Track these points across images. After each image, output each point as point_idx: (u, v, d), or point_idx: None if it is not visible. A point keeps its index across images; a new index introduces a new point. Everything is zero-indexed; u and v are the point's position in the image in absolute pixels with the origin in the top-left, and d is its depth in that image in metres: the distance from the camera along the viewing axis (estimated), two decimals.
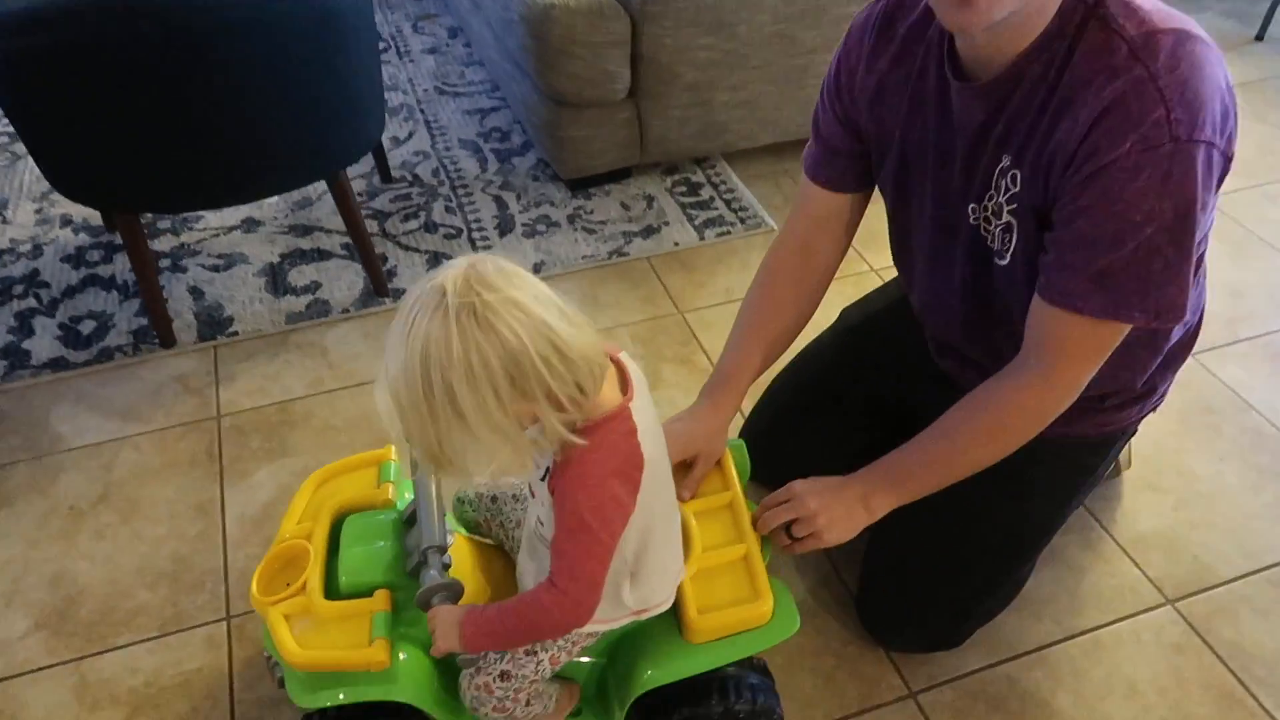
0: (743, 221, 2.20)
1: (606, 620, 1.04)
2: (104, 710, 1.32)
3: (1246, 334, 1.91)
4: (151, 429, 1.73)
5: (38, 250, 2.13)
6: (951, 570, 1.29)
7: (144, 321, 1.92)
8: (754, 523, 1.18)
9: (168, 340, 1.88)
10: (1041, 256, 1.02)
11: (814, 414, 1.45)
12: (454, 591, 1.03)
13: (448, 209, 2.24)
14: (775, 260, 1.32)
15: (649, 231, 2.18)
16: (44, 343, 1.89)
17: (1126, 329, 1.01)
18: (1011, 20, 0.93)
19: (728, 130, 2.25)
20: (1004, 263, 1.09)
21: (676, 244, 2.14)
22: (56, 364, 1.85)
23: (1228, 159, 0.95)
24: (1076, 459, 1.27)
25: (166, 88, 1.50)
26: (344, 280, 2.04)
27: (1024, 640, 1.39)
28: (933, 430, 1.14)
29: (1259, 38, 2.98)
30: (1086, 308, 0.98)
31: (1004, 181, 1.04)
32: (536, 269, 2.07)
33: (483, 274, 0.80)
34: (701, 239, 2.16)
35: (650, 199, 2.28)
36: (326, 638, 1.03)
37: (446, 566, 1.04)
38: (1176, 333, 1.19)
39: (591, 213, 2.24)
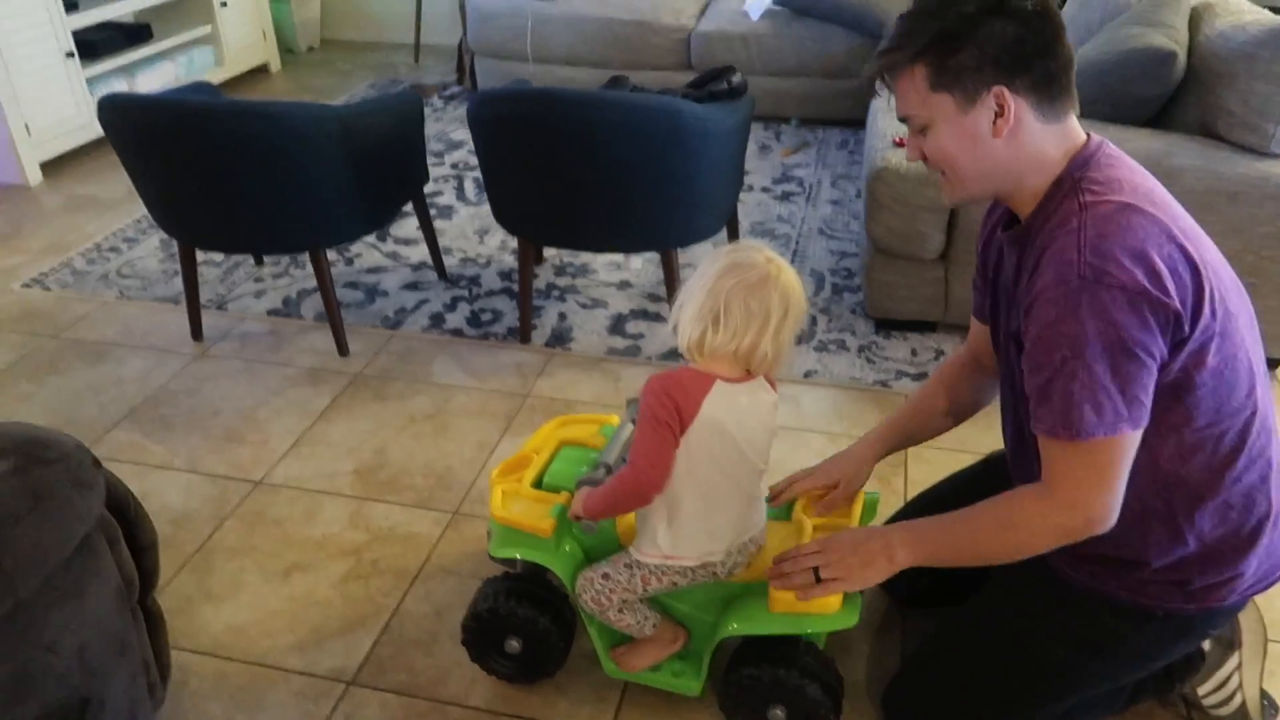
0: None
1: (643, 552, 1.40)
2: (357, 532, 1.94)
3: None
4: (483, 388, 2.39)
5: (488, 263, 2.98)
6: (967, 674, 1.40)
7: (518, 323, 2.62)
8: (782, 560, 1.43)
9: (525, 339, 2.56)
10: None
11: None
12: (598, 483, 1.41)
13: None
14: (948, 365, 1.61)
15: (921, 376, 2.40)
16: (456, 318, 2.68)
17: (1100, 452, 1.12)
18: (1002, 193, 1.22)
19: None
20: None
21: None
22: (456, 332, 2.62)
23: (1173, 312, 1.08)
24: (1097, 616, 1.31)
25: (561, 160, 2.17)
26: (661, 337, 2.57)
27: None
28: (964, 509, 1.29)
29: None
30: (1038, 426, 1.15)
31: None
32: (807, 374, 2.41)
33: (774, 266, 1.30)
34: None
35: (939, 353, 2.49)
36: (521, 509, 1.50)
37: (608, 471, 1.44)
38: (1208, 524, 1.21)
39: (882, 349, 2.52)
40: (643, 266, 2.92)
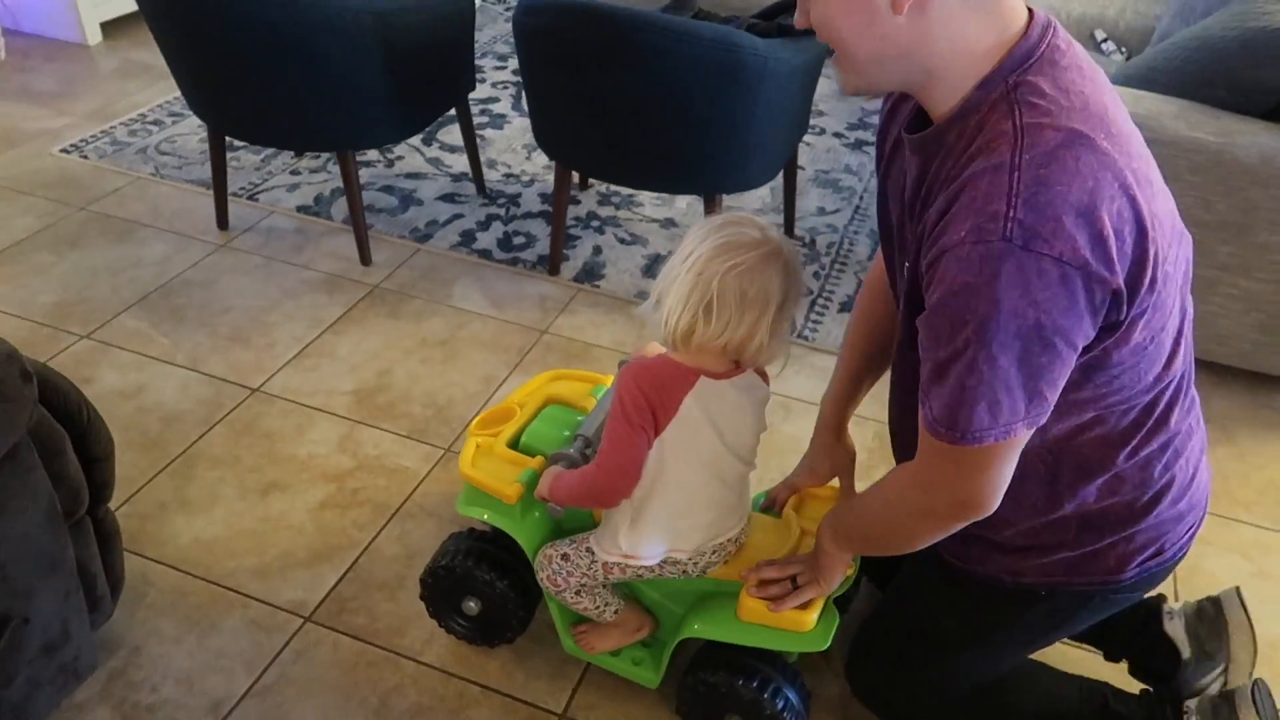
0: None
1: (603, 549, 1.28)
2: (343, 457, 1.86)
3: None
4: (500, 318, 2.27)
5: (531, 181, 2.83)
6: (899, 658, 1.34)
7: (549, 252, 2.49)
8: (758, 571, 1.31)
9: (554, 270, 2.43)
10: None
11: None
12: (572, 463, 1.30)
13: (815, 274, 2.50)
14: (875, 268, 1.35)
15: None
16: (488, 238, 2.56)
17: (985, 454, 0.94)
18: (909, 85, 0.96)
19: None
20: None
21: None
22: (483, 254, 2.50)
23: (1112, 290, 0.87)
24: (988, 598, 1.22)
25: (605, 83, 2.00)
26: None
27: None
28: (867, 491, 1.19)
29: None
30: (923, 406, 0.96)
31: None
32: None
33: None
34: None
35: None
36: (491, 470, 1.39)
37: (584, 453, 1.32)
38: (1093, 495, 1.09)
39: None
40: (688, 207, 2.75)
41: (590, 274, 2.44)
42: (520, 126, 3.14)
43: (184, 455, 1.84)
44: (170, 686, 1.44)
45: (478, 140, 2.83)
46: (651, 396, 1.13)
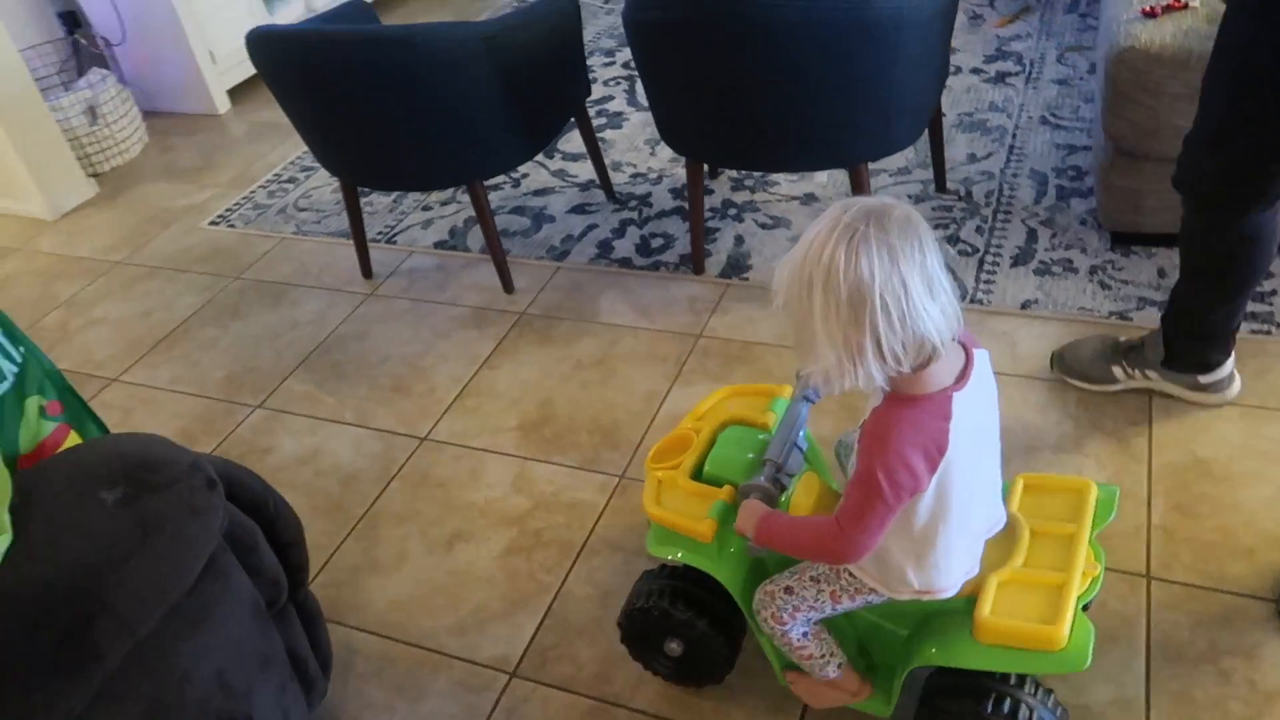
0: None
1: (891, 589, 1.17)
2: (520, 498, 1.83)
3: None
4: (652, 328, 2.20)
5: (659, 178, 2.74)
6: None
7: (689, 249, 2.39)
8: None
9: (698, 269, 2.33)
10: None
11: None
12: (768, 494, 1.22)
13: (978, 229, 2.31)
14: None
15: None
16: (625, 245, 2.48)
17: None
18: None
19: None
20: None
21: None
22: (623, 262, 2.42)
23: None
24: None
25: (729, 68, 1.88)
26: None
27: None
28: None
29: None
30: None
31: None
32: (1025, 305, 2.06)
33: (886, 214, 0.92)
34: None
35: None
36: (678, 506, 1.31)
37: (776, 479, 1.24)
38: None
39: (1120, 270, 2.11)
40: (829, 178, 2.60)
41: (736, 266, 2.34)
42: (639, 122, 3.06)
43: (367, 516, 1.85)
44: None
45: (599, 143, 2.77)
46: (925, 460, 1.00)
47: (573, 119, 2.50)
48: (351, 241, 2.57)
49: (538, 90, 2.25)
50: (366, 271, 2.55)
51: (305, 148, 3.25)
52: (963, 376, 1.02)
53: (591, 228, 2.58)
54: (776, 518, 1.17)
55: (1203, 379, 1.74)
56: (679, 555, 1.32)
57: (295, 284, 2.59)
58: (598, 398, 2.03)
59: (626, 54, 3.51)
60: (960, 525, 1.10)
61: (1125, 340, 1.81)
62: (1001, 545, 1.22)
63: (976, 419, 1.05)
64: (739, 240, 2.42)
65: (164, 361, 2.38)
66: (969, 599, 1.17)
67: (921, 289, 0.91)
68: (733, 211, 2.53)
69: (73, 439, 1.20)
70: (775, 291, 0.97)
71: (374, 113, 2.08)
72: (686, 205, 2.58)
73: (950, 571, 1.14)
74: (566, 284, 2.39)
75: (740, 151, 2.12)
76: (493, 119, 2.14)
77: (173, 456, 1.07)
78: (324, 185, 3.03)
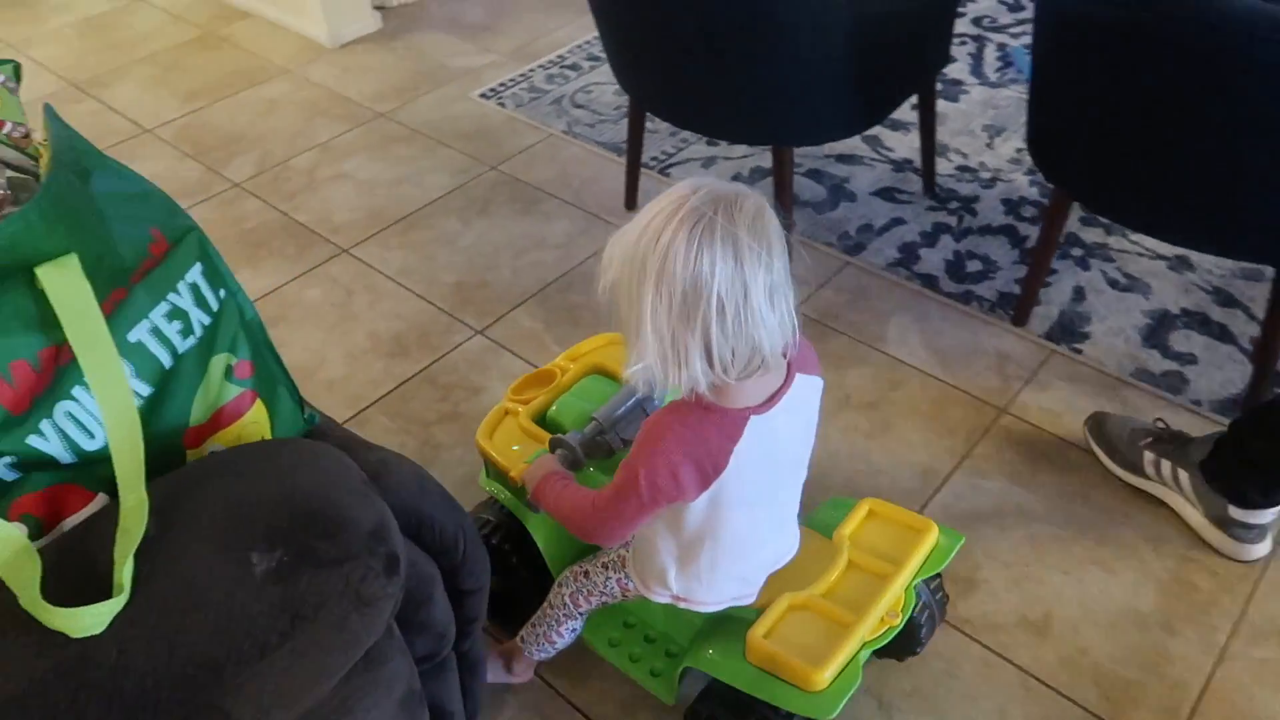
0: None
1: (648, 589, 1.13)
2: None
3: None
4: (946, 380, 1.78)
5: (992, 182, 2.26)
6: None
7: (1018, 290, 1.93)
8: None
9: (1020, 319, 1.88)
10: None
11: None
12: (572, 456, 1.16)
13: None
14: None
15: None
16: (933, 257, 2.05)
17: None
18: None
19: None
20: None
21: None
22: (927, 280, 1.99)
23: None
24: None
25: (1171, 104, 1.38)
26: (1221, 375, 1.75)
27: None
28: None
29: None
30: None
31: None
32: None
33: (737, 203, 0.82)
34: None
35: None
36: (507, 443, 1.27)
37: (596, 440, 1.17)
38: None
39: None
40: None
41: (1068, 330, 1.86)
42: (981, 98, 2.54)
43: None
44: None
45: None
46: (694, 471, 0.94)
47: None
48: (624, 161, 2.26)
49: (891, 52, 1.81)
50: (631, 201, 2.25)
51: (597, 34, 2.94)
52: (772, 399, 0.94)
53: (897, 222, 2.15)
54: (555, 479, 1.12)
55: (1234, 511, 1.43)
56: (500, 496, 1.30)
57: (552, 194, 2.32)
58: (861, 454, 1.66)
59: (981, 5, 2.95)
60: (733, 548, 1.06)
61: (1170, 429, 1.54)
62: (812, 566, 1.15)
63: (776, 447, 0.99)
64: (1078, 294, 1.94)
65: (399, 245, 2.18)
66: (757, 613, 1.12)
67: (763, 295, 0.83)
68: (1077, 252, 2.04)
69: (257, 410, 0.96)
70: (603, 269, 0.87)
71: (693, 43, 1.71)
72: (1023, 228, 2.10)
73: (714, 589, 1.11)
74: (853, 287, 2.00)
75: (1141, 207, 1.61)
76: (831, 78, 1.73)
77: (353, 517, 0.80)
78: (608, 83, 2.72)
